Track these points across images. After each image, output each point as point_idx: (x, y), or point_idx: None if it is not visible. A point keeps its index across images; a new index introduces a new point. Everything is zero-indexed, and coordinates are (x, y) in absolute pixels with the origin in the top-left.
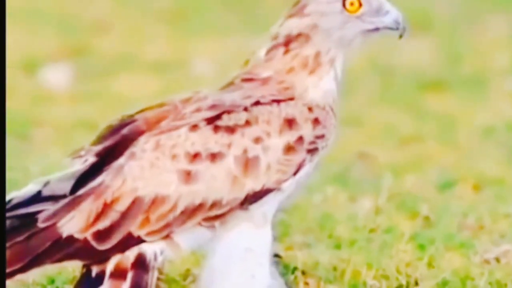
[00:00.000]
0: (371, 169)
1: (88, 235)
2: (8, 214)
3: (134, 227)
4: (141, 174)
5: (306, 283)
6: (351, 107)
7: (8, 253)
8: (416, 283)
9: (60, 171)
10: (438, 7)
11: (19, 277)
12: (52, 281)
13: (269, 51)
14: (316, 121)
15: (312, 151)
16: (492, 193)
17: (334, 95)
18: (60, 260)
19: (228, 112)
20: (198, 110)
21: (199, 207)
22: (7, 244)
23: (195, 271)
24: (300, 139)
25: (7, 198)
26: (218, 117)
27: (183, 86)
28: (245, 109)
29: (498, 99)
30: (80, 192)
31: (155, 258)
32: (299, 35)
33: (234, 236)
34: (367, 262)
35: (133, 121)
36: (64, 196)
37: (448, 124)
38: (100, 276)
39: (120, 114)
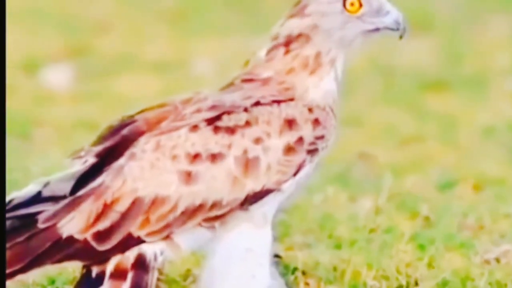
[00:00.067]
0: (371, 169)
1: (88, 235)
2: (8, 215)
3: (134, 228)
4: (141, 175)
5: (307, 284)
6: (351, 107)
7: (8, 253)
8: (416, 284)
9: (61, 172)
10: (439, 7)
11: (19, 277)
12: (52, 282)
13: (269, 51)
14: (316, 122)
15: (312, 152)
16: (493, 193)
17: (334, 96)
18: (60, 260)
19: (228, 112)
20: (198, 110)
21: (199, 207)
22: (8, 245)
23: (196, 272)
24: (300, 139)
25: (8, 198)
26: (218, 117)
27: (183, 86)
28: (245, 109)
29: (498, 99)
30: (80, 192)
31: (155, 259)
32: (299, 35)
33: (234, 236)
34: (367, 262)
35: (133, 121)
36: (64, 197)
37: (449, 124)
38: (100, 277)
39: (121, 114)
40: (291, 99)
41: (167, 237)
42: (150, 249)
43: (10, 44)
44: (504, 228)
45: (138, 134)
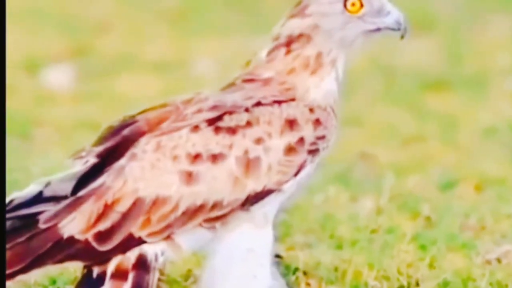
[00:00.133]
0: (372, 169)
1: (89, 236)
2: (9, 215)
3: (135, 228)
4: (142, 175)
5: (308, 284)
6: (352, 107)
7: (9, 253)
8: (418, 284)
9: (62, 172)
10: (440, 7)
11: (20, 277)
12: (53, 282)
13: (270, 51)
14: (317, 122)
15: (313, 152)
16: (494, 193)
17: (335, 96)
18: (61, 261)
19: (229, 113)
20: (199, 111)
21: (200, 208)
22: (9, 245)
23: (197, 272)
24: (301, 140)
25: (9, 198)
26: (219, 118)
27: (184, 86)
28: (246, 110)
29: (499, 99)
30: (81, 193)
31: (156, 259)
32: (300, 35)
33: (235, 236)
34: (368, 263)
35: (134, 122)
36: (65, 197)
37: (450, 124)
38: (101, 277)
39: (122, 114)
40: (292, 100)
41: (168, 238)
42: (151, 249)
43: (11, 44)
44: (505, 229)
45: (139, 135)
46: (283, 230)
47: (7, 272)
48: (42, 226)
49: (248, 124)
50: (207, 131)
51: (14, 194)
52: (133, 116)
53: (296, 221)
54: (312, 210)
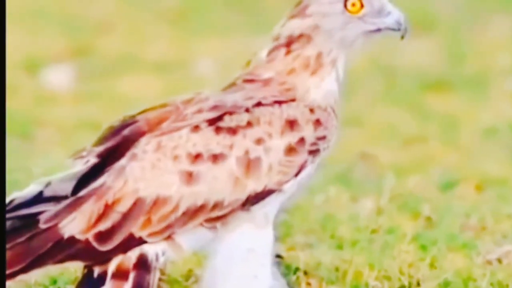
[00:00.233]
0: (373, 169)
1: (90, 236)
2: (9, 215)
3: (135, 228)
4: (142, 175)
5: (308, 284)
6: (353, 107)
7: (9, 253)
8: (418, 284)
9: (62, 172)
10: (440, 7)
11: (21, 277)
12: (54, 282)
13: (270, 52)
14: (317, 123)
15: (313, 152)
16: (495, 193)
17: (335, 96)
18: (61, 261)
19: (230, 113)
20: (199, 111)
21: (201, 208)
22: (9, 245)
23: (197, 272)
24: (302, 140)
25: (9, 198)
26: (219, 118)
27: (185, 86)
28: (247, 110)
29: (500, 99)
30: (82, 193)
31: (157, 259)
32: (300, 35)
33: (236, 237)
34: (369, 263)
35: (135, 122)
36: (65, 197)
37: (450, 124)
38: (102, 277)
39: (122, 114)
40: (293, 100)
41: (168, 238)
42: (151, 249)
43: (12, 45)
44: (506, 229)
45: (139, 135)
46: (284, 230)
47: (8, 272)
48: (42, 226)
49: (249, 124)
50: (207, 131)
51: (15, 194)
52: (134, 116)
53: (296, 221)
54: (312, 210)
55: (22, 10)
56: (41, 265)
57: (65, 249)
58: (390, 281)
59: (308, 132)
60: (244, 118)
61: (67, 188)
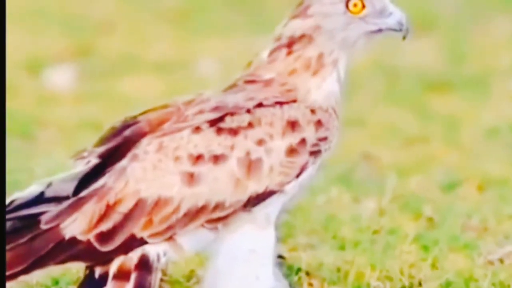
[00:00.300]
0: (375, 170)
1: (91, 236)
2: (11, 215)
3: (137, 229)
4: (143, 176)
5: (310, 284)
6: (354, 108)
7: (11, 254)
8: (420, 284)
9: (64, 172)
10: (442, 7)
11: (22, 278)
12: (56, 282)
13: (272, 52)
14: (319, 123)
15: (315, 153)
16: (496, 193)
17: (337, 97)
18: (63, 261)
19: (231, 114)
20: (201, 112)
21: (202, 209)
22: (10, 246)
23: (199, 273)
24: (303, 141)
25: (11, 198)
26: (221, 119)
27: (187, 86)
28: (248, 111)
29: (502, 100)
30: (83, 193)
31: (158, 259)
32: (302, 36)
33: (238, 237)
34: (371, 263)
35: (136, 122)
36: (67, 198)
37: (452, 125)
38: (104, 277)
39: (124, 115)
40: (294, 101)
41: (170, 238)
42: (153, 249)
43: (13, 45)
44: (508, 229)
45: (140, 135)
46: (286, 231)
47: (9, 273)
48: (43, 226)
49: (250, 125)
50: (208, 132)
51: (16, 195)
52: (135, 117)
53: (298, 222)
54: (314, 211)
55: (23, 10)
56: (43, 266)
57: (67, 250)
58: (392, 282)
59: (309, 133)
60: (245, 119)
61: (69, 188)
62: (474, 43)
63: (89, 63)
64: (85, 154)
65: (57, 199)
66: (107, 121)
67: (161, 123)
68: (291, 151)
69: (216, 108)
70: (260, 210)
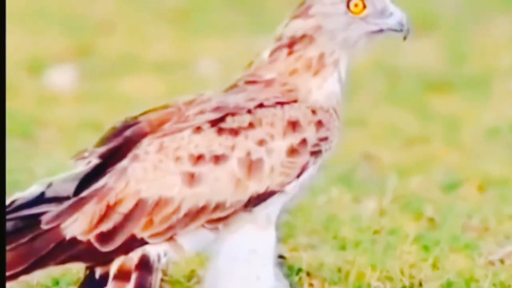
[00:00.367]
0: (375, 170)
1: (92, 237)
2: (11, 216)
3: (137, 229)
4: (144, 176)
5: (311, 285)
6: (355, 108)
7: (11, 254)
8: (421, 285)
9: (64, 172)
10: (442, 8)
11: (22, 278)
12: (56, 283)
13: (273, 52)
14: (319, 124)
15: (315, 154)
16: (497, 194)
17: (338, 97)
18: (63, 262)
19: (232, 114)
20: (201, 112)
21: (203, 209)
22: (11, 246)
23: (200, 273)
24: (304, 141)
25: (11, 199)
26: (221, 119)
27: (187, 86)
28: (249, 111)
29: (502, 100)
30: (84, 194)
31: (159, 260)
32: (303, 36)
33: (238, 238)
34: (371, 264)
35: (137, 123)
36: (67, 198)
37: (453, 125)
38: (104, 278)
39: (125, 115)
40: (295, 101)
41: (170, 239)
42: (153, 250)
43: (14, 45)
44: (508, 229)
45: (141, 136)
46: (287, 231)
47: (9, 273)
48: (44, 227)
49: (251, 125)
50: (209, 132)
51: (16, 195)
52: (136, 117)
53: (299, 222)
54: (315, 211)
55: (23, 10)
56: (43, 266)
57: (67, 250)
58: (392, 282)
59: (310, 133)
60: (246, 119)
61: (69, 188)
62: (475, 43)
63: (89, 63)
64: (86, 154)
65: (57, 199)
66: (107, 121)
67: (161, 123)
68: (292, 151)
69: (217, 109)
70: (261, 210)
